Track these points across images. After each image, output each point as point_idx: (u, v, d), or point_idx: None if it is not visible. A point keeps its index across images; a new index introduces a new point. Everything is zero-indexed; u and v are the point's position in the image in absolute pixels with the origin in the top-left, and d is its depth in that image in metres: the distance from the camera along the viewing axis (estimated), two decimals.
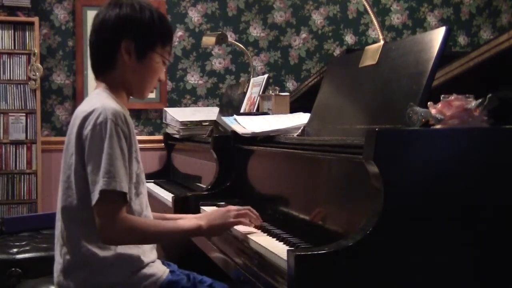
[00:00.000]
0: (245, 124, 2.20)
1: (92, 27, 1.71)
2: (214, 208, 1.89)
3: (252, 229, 1.74)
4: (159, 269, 1.66)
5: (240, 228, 1.74)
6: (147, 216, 1.70)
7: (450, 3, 4.92)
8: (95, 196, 1.49)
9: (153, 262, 1.66)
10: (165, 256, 2.82)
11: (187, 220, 1.71)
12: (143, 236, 1.58)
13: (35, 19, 3.91)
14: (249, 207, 1.79)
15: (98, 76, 1.71)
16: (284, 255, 1.31)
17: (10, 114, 3.88)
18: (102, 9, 1.69)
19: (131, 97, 1.75)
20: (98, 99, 1.61)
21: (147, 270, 1.63)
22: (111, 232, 1.52)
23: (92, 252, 1.56)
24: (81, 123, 1.55)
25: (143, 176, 1.70)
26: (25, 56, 3.91)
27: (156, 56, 1.69)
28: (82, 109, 1.60)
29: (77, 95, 4.14)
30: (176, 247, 2.91)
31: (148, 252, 1.66)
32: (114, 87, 1.67)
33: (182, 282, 1.69)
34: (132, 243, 1.60)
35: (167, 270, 1.68)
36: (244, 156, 2.27)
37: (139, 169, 1.65)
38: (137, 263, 1.61)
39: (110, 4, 1.67)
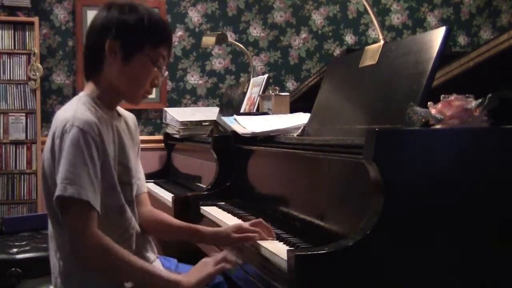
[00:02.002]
0: (245, 124, 2.20)
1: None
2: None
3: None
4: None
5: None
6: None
7: (450, 3, 4.92)
8: (56, 204, 1.43)
9: (151, 262, 1.63)
10: (164, 251, 2.82)
11: (168, 272, 1.59)
12: (115, 261, 1.45)
13: (35, 19, 3.91)
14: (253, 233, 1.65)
15: (88, 79, 1.66)
16: (284, 255, 1.31)
17: (10, 114, 3.88)
18: (97, 12, 1.65)
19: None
20: (73, 108, 1.54)
21: None
22: (78, 248, 1.44)
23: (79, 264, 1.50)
24: (53, 132, 1.51)
25: (137, 184, 1.67)
26: (25, 56, 3.91)
27: (144, 58, 1.60)
28: (59, 116, 1.54)
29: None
30: (175, 244, 2.91)
31: (143, 253, 1.64)
32: (102, 90, 1.62)
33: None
34: (102, 266, 1.46)
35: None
36: (244, 156, 2.27)
37: (127, 175, 1.62)
38: None
39: (104, 7, 1.63)
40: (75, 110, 1.52)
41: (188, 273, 1.53)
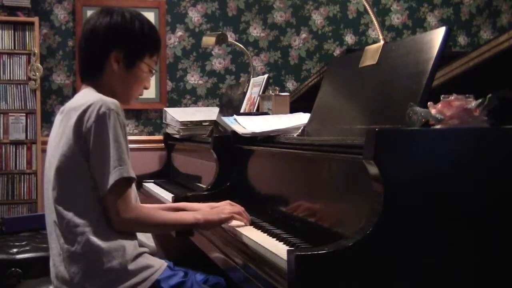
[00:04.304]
0: (245, 124, 2.20)
1: (82, 33, 1.75)
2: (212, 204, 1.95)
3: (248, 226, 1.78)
4: (156, 261, 1.69)
5: (236, 224, 1.79)
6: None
7: (450, 3, 4.92)
8: (106, 187, 1.55)
9: (150, 254, 1.70)
10: (161, 254, 2.83)
11: (187, 213, 1.81)
12: (154, 223, 1.67)
13: (35, 19, 3.91)
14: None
15: (85, 80, 1.76)
16: (284, 255, 1.31)
17: (10, 114, 3.87)
18: (93, 16, 1.74)
19: None
20: (93, 95, 1.64)
21: (144, 260, 1.65)
22: (125, 220, 1.59)
23: (90, 242, 1.57)
24: (80, 116, 1.58)
25: None
26: (25, 56, 3.90)
27: (143, 66, 1.74)
28: (78, 103, 1.62)
29: None
30: (172, 245, 2.92)
31: (145, 242, 1.71)
32: (101, 91, 1.70)
33: (180, 275, 1.72)
34: (145, 229, 1.69)
35: (165, 264, 1.71)
36: (244, 156, 2.27)
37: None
38: (134, 252, 1.63)
39: (102, 11, 1.72)
40: (99, 96, 1.62)
41: (207, 212, 1.81)
